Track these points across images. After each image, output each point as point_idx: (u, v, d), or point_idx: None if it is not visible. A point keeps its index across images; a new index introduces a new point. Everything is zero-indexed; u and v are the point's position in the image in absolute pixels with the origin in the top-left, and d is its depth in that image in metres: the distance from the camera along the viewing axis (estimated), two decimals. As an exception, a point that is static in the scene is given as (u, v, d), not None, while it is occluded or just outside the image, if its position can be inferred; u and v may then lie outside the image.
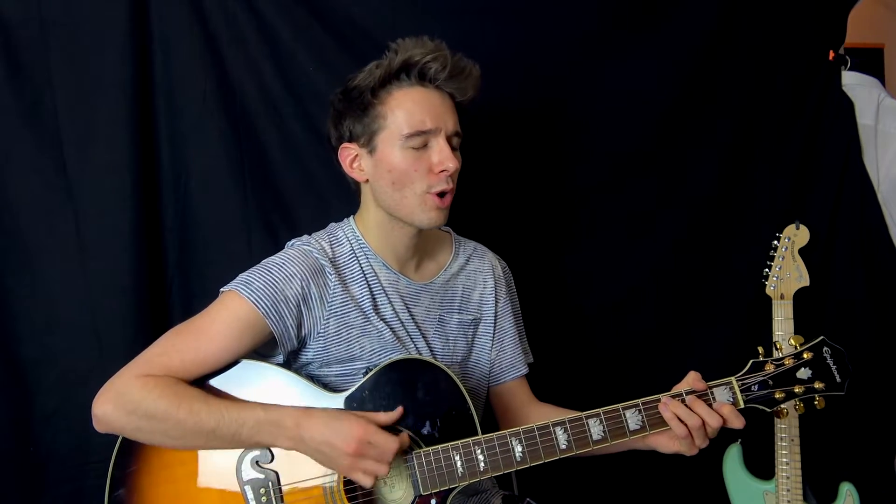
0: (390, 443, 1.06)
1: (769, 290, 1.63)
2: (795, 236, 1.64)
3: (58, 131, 1.46)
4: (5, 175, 1.45)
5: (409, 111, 1.16)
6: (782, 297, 1.62)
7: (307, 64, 1.57)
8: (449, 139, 1.19)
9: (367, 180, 1.23)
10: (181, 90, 1.53)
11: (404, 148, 1.17)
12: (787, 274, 1.62)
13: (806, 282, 1.62)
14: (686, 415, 1.11)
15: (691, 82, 1.74)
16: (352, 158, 1.23)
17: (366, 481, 1.07)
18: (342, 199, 1.58)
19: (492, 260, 1.40)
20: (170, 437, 1.09)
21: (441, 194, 1.19)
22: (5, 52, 1.44)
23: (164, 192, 1.54)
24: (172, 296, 1.55)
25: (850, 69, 1.79)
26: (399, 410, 1.11)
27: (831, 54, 1.78)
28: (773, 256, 1.64)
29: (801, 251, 1.64)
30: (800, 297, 1.62)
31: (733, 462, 1.67)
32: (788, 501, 1.61)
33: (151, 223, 1.52)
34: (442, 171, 1.17)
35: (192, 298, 1.54)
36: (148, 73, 1.51)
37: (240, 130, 1.56)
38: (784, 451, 1.61)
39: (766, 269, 1.64)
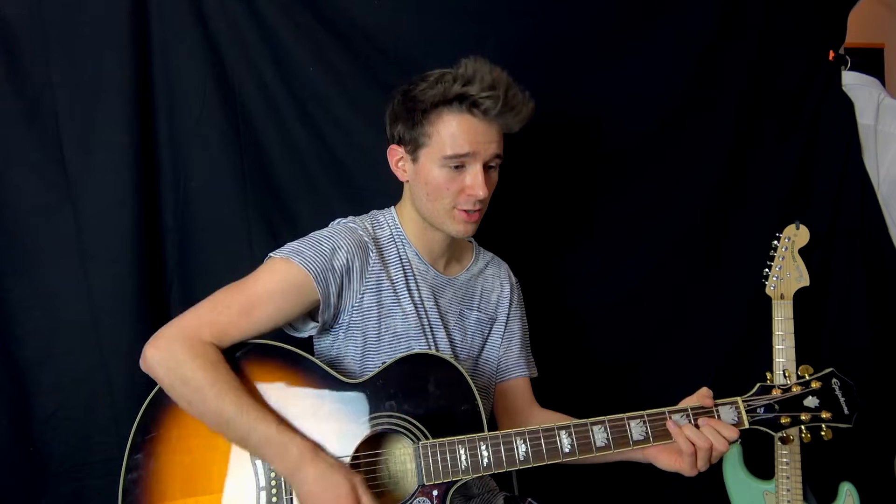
0: None
1: (769, 290, 1.63)
2: (795, 236, 1.64)
3: (58, 131, 1.46)
4: (5, 175, 1.45)
5: (453, 135, 1.22)
6: (782, 297, 1.62)
7: (307, 64, 1.57)
8: (487, 162, 1.24)
9: (408, 181, 1.31)
10: (181, 90, 1.53)
11: (442, 167, 1.23)
12: (787, 274, 1.62)
13: (806, 282, 1.62)
14: (695, 435, 1.15)
15: (691, 82, 1.74)
16: (398, 159, 1.31)
17: None
18: (343, 199, 1.59)
19: (507, 270, 1.48)
20: (192, 407, 1.11)
21: (468, 212, 1.26)
22: (5, 52, 1.44)
23: (164, 192, 1.54)
24: (172, 296, 1.55)
25: (850, 69, 1.79)
26: None
27: (831, 54, 1.78)
28: (773, 256, 1.64)
29: (801, 251, 1.64)
30: (800, 297, 1.62)
31: (733, 462, 1.68)
32: (788, 501, 1.61)
33: (151, 223, 1.51)
34: (471, 195, 1.24)
35: (192, 299, 1.51)
36: (148, 73, 1.51)
37: (240, 130, 1.56)
38: (784, 451, 1.61)
39: (766, 269, 1.64)
